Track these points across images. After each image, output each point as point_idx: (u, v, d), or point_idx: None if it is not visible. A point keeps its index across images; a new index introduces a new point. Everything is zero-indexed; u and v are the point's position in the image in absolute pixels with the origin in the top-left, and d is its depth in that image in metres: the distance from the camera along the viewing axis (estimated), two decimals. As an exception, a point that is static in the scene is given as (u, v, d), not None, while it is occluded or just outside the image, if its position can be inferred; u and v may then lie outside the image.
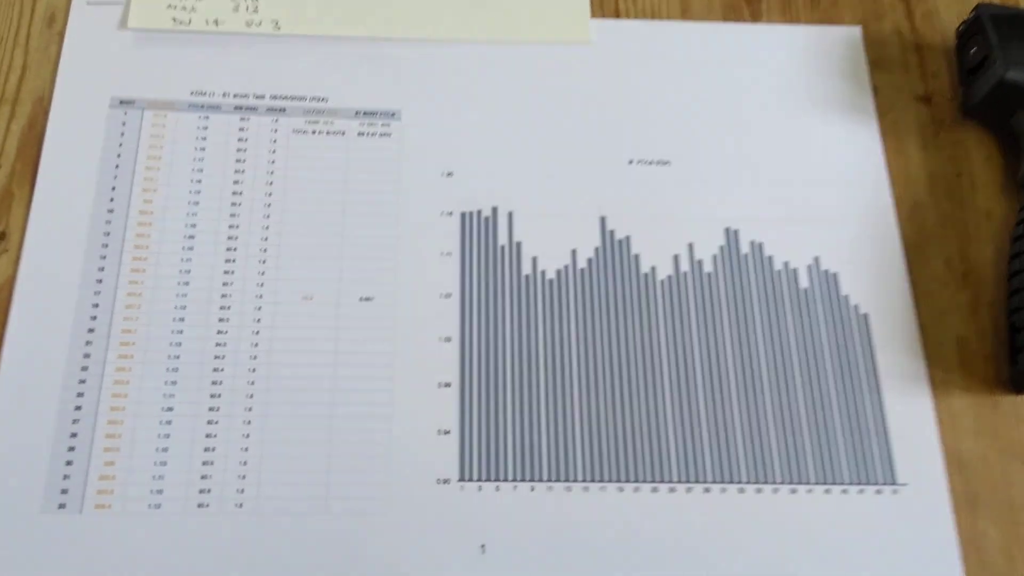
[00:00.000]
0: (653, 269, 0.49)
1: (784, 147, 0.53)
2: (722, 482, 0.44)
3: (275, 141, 0.51)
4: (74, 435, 0.44)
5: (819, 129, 0.53)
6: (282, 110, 0.52)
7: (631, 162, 0.52)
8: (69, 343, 0.45)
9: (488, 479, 0.44)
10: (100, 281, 0.47)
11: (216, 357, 0.46)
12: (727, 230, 0.50)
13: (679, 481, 0.44)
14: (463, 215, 0.50)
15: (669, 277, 0.49)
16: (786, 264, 0.49)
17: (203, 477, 0.43)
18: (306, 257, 0.48)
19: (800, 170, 0.52)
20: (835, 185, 0.52)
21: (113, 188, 0.49)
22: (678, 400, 0.46)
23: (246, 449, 0.44)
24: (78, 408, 0.44)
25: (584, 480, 0.44)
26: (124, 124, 0.50)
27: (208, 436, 0.44)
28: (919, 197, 0.52)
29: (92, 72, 0.52)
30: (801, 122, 0.54)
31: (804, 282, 0.49)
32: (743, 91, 0.54)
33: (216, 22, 0.53)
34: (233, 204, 0.49)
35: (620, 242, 0.50)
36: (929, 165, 0.53)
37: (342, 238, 0.49)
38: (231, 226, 0.49)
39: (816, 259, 0.50)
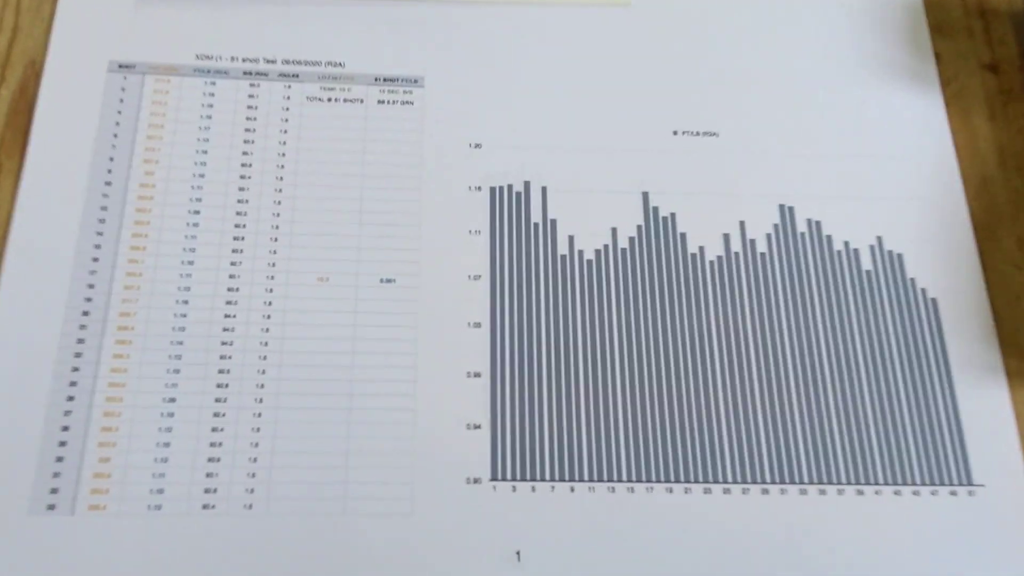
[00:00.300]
0: (701, 249, 0.45)
1: (841, 118, 0.48)
2: (782, 483, 0.40)
3: (288, 109, 0.47)
4: (65, 428, 0.39)
5: (878, 99, 0.49)
6: (295, 76, 0.47)
7: (676, 133, 0.48)
8: (61, 329, 0.41)
9: (523, 478, 0.40)
10: (96, 260, 0.43)
11: (223, 344, 0.42)
12: (781, 207, 0.46)
13: (734, 482, 0.40)
14: (492, 190, 0.46)
15: (719, 258, 0.45)
16: (846, 244, 0.45)
17: (208, 475, 0.39)
18: (321, 235, 0.44)
19: (859, 143, 0.48)
20: (897, 159, 0.48)
21: (111, 159, 0.45)
22: (732, 393, 0.42)
23: (256, 444, 0.40)
24: (70, 399, 0.40)
25: (629, 480, 0.40)
26: (123, 90, 0.46)
27: (214, 430, 0.40)
28: (988, 172, 0.48)
29: (89, 34, 0.47)
30: (859, 91, 0.49)
31: (867, 263, 0.45)
32: (797, 57, 0.50)
33: (223, -19, 0.49)
34: (242, 177, 0.45)
35: (664, 219, 0.45)
36: (998, 138, 0.49)
37: (361, 214, 0.45)
38: (240, 201, 0.45)
39: (879, 239, 0.45)
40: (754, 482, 0.40)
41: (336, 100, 0.47)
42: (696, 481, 0.40)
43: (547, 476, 0.40)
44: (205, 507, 0.39)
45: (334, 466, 0.40)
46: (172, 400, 0.40)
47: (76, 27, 0.47)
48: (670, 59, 0.49)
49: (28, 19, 0.47)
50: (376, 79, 0.48)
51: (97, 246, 0.43)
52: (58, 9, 0.48)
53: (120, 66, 0.47)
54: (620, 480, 0.40)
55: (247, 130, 0.46)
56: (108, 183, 0.44)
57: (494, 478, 0.40)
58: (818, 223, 0.45)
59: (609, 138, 0.47)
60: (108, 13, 0.48)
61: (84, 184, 0.44)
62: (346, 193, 0.45)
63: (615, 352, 0.42)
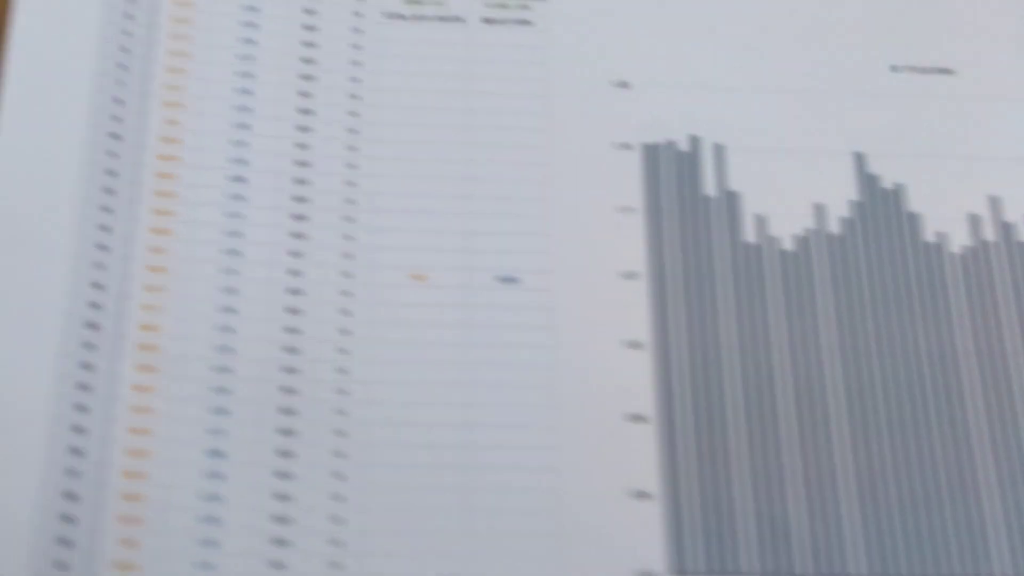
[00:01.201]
0: (941, 236, 0.32)
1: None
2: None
3: (358, 30, 0.34)
4: (71, 496, 0.28)
5: None
6: None
7: (895, 69, 0.35)
8: (57, 353, 0.29)
9: (716, 571, 0.28)
10: (104, 249, 0.30)
11: (286, 371, 0.30)
12: (1049, 176, 0.33)
13: (1007, 577, 0.29)
14: (647, 149, 0.33)
15: (967, 249, 0.32)
16: None
17: (273, 565, 0.28)
18: (413, 212, 0.32)
19: None
20: None
21: (117, 101, 0.32)
22: (1001, 446, 0.30)
23: (337, 516, 0.28)
24: (77, 453, 0.28)
25: (865, 573, 0.29)
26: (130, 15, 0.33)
27: (279, 497, 0.29)
28: None
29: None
30: None
31: None
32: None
33: None
34: (299, 129, 0.32)
35: (887, 193, 0.33)
36: None
37: (466, 183, 0.32)
38: (298, 163, 0.32)
39: None
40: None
41: (425, 18, 0.34)
42: None
43: (747, 567, 0.28)
44: (271, 611, 0.28)
45: (446, 546, 0.28)
46: (218, 453, 0.29)
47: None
48: (889, -38, 0.36)
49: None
50: (480, -12, 0.34)
51: (104, 228, 0.31)
52: None
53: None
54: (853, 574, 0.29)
55: (304, 60, 0.33)
56: (115, 135, 0.32)
57: (675, 571, 0.28)
58: (1101, 199, 0.33)
59: (804, 76, 0.34)
60: None
61: (82, 136, 0.31)
62: (444, 153, 0.33)
63: (832, 384, 0.30)
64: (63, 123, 0.31)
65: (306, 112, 0.33)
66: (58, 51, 0.32)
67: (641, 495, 0.29)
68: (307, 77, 0.33)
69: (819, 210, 0.33)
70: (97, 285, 0.30)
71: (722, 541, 0.29)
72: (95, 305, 0.30)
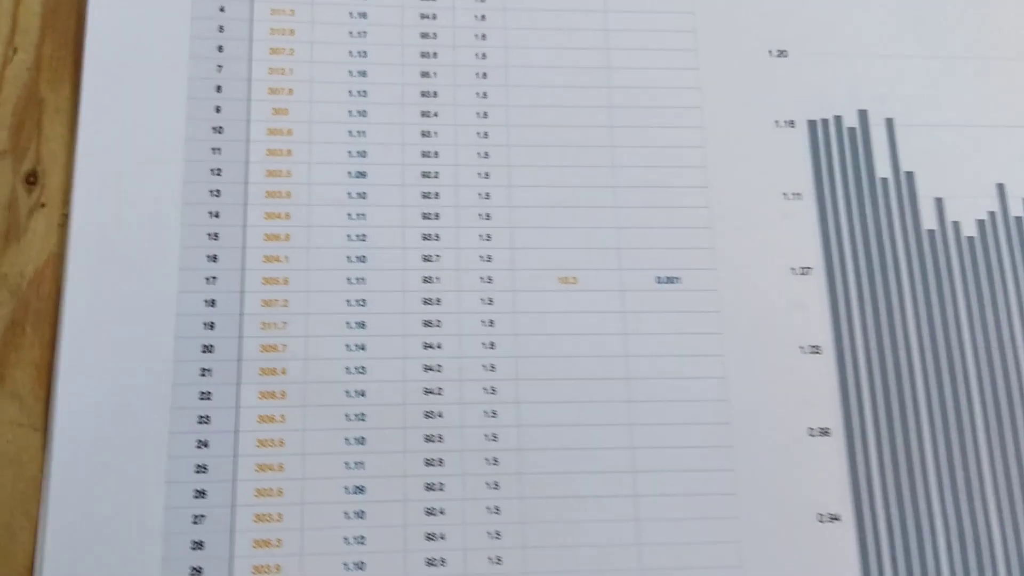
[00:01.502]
0: None
1: None
2: None
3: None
4: (198, 519, 0.25)
5: None
6: None
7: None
8: (171, 380, 0.26)
9: (918, 601, 0.26)
10: (213, 260, 0.27)
11: (427, 393, 0.26)
12: None
13: None
14: (811, 125, 0.29)
15: None
16: None
17: (432, 613, 0.25)
18: (556, 208, 0.28)
19: None
20: None
21: (217, 89, 0.28)
22: None
23: (498, 561, 0.25)
24: (201, 470, 0.25)
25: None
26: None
27: (430, 513, 0.25)
28: None
29: None
30: None
31: None
32: None
33: None
34: (424, 115, 0.29)
35: (1081, 170, 0.29)
36: None
37: (613, 171, 0.29)
38: (425, 154, 0.28)
39: None
40: None
41: None
42: None
43: (953, 595, 0.26)
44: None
45: (617, 582, 0.25)
46: (358, 489, 0.26)
47: None
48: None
49: None
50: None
51: (213, 235, 0.27)
52: None
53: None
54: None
55: (424, 35, 0.29)
56: (218, 129, 0.28)
57: (875, 602, 0.26)
58: None
59: (983, 40, 0.31)
60: None
61: (180, 129, 0.27)
62: (588, 135, 0.29)
63: (1032, 391, 0.27)
64: (159, 119, 0.27)
65: (428, 94, 0.29)
66: (147, 39, 0.28)
67: (829, 517, 0.26)
68: (427, 55, 0.29)
69: (1001, 191, 0.29)
70: (209, 302, 0.26)
71: (916, 560, 0.26)
72: (208, 326, 0.26)
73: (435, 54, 0.29)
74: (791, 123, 0.29)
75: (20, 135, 0.27)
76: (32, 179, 0.27)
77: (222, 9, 0.28)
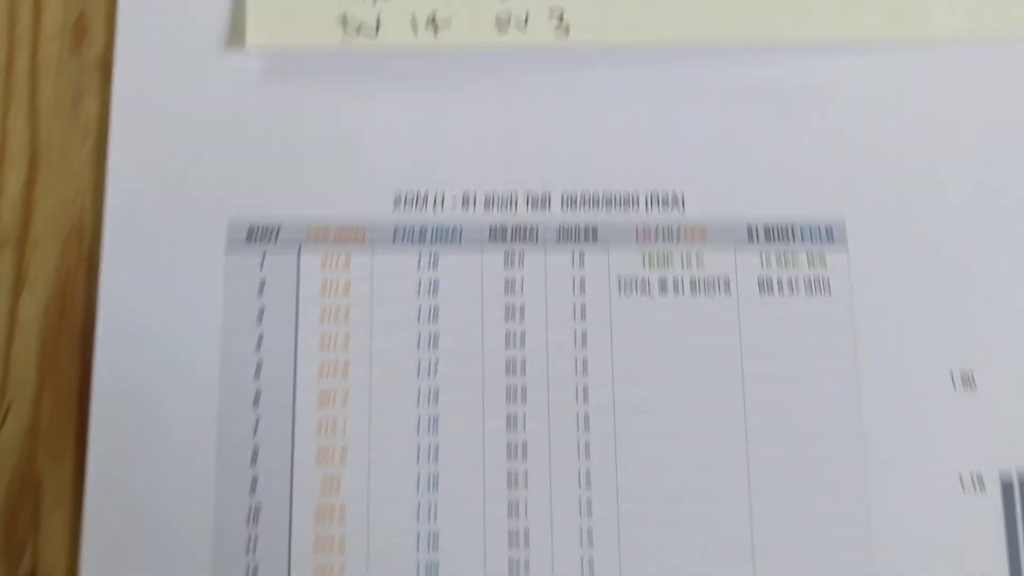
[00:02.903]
0: None
1: None
2: None
3: (581, 310, 0.24)
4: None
5: None
6: (590, 233, 0.25)
7: None
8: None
9: None
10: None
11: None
12: None
13: None
14: (1006, 487, 0.22)
15: None
16: None
17: None
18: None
19: None
20: None
21: (257, 349, 0.24)
22: None
23: None
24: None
25: None
26: (261, 265, 0.25)
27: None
28: None
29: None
30: None
31: None
32: None
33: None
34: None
35: None
36: None
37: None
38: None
39: None
40: None
41: (672, 286, 0.24)
42: None
43: None
44: None
45: None
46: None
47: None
48: None
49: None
50: (751, 231, 0.25)
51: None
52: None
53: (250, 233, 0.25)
54: None
55: (510, 343, 0.24)
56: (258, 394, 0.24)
57: None
58: None
59: None
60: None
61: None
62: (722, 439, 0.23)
63: None
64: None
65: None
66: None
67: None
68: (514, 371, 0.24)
69: None
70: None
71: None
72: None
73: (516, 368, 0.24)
74: (979, 483, 0.22)
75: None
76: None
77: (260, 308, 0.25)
